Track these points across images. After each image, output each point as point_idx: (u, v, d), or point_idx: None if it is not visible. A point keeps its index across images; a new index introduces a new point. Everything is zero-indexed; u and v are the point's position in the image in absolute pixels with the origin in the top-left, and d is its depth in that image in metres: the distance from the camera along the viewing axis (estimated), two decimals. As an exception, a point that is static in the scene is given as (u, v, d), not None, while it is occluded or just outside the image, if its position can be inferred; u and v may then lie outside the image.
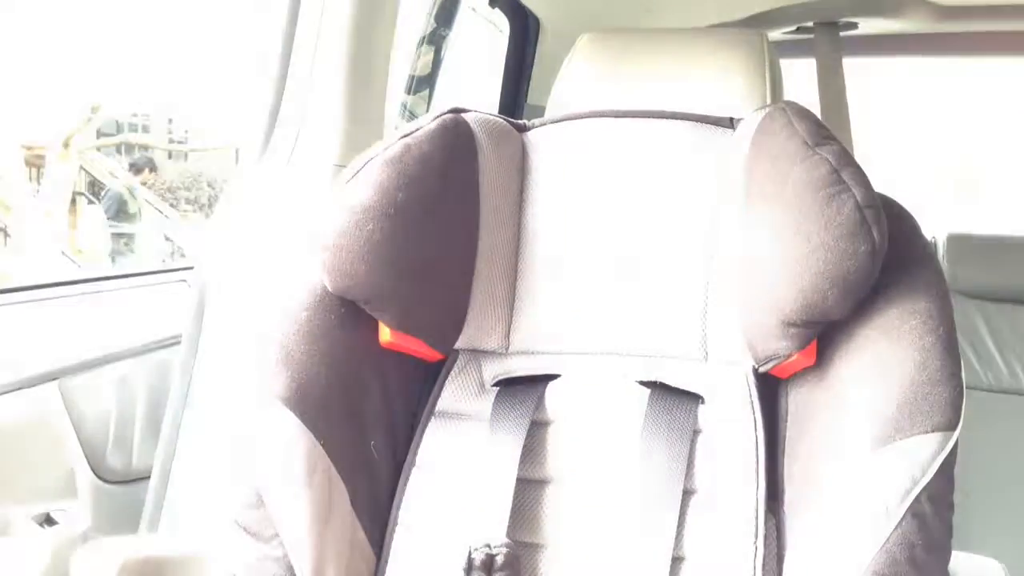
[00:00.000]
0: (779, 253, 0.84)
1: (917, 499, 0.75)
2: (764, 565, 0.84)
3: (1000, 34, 2.12)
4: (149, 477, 1.34)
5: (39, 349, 1.24)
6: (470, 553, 0.85)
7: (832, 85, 2.05)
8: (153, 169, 5.82)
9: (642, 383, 0.94)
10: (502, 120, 1.03)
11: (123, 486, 1.34)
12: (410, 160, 0.92)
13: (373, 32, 1.39)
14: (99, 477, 1.29)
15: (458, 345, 0.99)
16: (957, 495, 0.77)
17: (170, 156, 6.54)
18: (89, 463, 1.27)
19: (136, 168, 5.70)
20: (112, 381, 1.33)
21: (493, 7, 2.21)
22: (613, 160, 0.99)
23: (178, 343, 1.37)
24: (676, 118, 1.00)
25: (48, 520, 1.19)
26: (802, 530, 0.80)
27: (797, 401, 0.89)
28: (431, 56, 1.89)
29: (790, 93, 1.08)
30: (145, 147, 6.55)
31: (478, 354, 0.99)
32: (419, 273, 0.93)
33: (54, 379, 1.24)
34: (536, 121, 1.05)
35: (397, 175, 0.91)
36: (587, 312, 0.96)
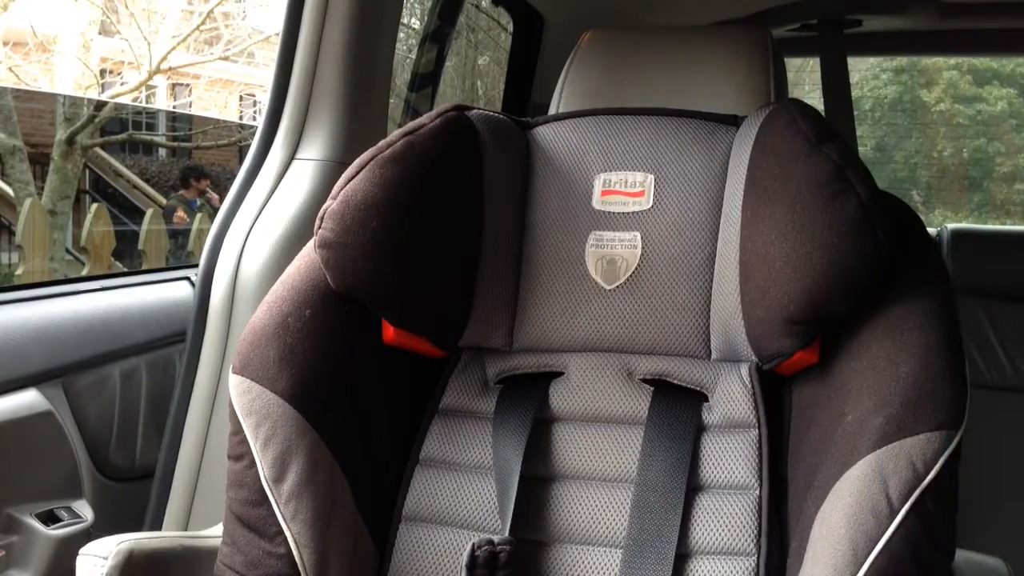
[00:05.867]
0: (783, 251, 0.83)
1: (921, 497, 0.75)
2: (768, 562, 0.84)
3: (1006, 32, 2.12)
4: (153, 474, 1.34)
5: (43, 347, 1.24)
6: (473, 550, 0.85)
7: (836, 83, 2.05)
8: (208, 178, 5.88)
9: (646, 381, 0.94)
10: (506, 118, 1.03)
11: (127, 483, 1.33)
12: (413, 158, 0.92)
13: (376, 29, 1.39)
14: (103, 475, 1.28)
15: (462, 343, 0.99)
16: (961, 493, 0.77)
17: (174, 154, 6.56)
18: (93, 461, 1.26)
19: (196, 176, 5.75)
20: (116, 379, 1.32)
21: (497, 5, 2.20)
22: (617, 157, 0.99)
23: (181, 340, 1.37)
24: (680, 115, 1.00)
25: (52, 518, 1.18)
26: (805, 527, 0.80)
27: (801, 399, 0.89)
28: (434, 53, 1.89)
29: (794, 91, 1.08)
30: (150, 144, 6.58)
31: (482, 352, 0.99)
32: (422, 271, 0.94)
33: (58, 377, 1.23)
34: (540, 119, 1.05)
35: (400, 172, 0.91)
36: (591, 310, 0.96)
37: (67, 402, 1.24)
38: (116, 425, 1.31)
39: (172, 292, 1.50)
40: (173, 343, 1.41)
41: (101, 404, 1.30)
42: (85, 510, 1.23)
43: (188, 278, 1.51)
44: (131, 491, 1.33)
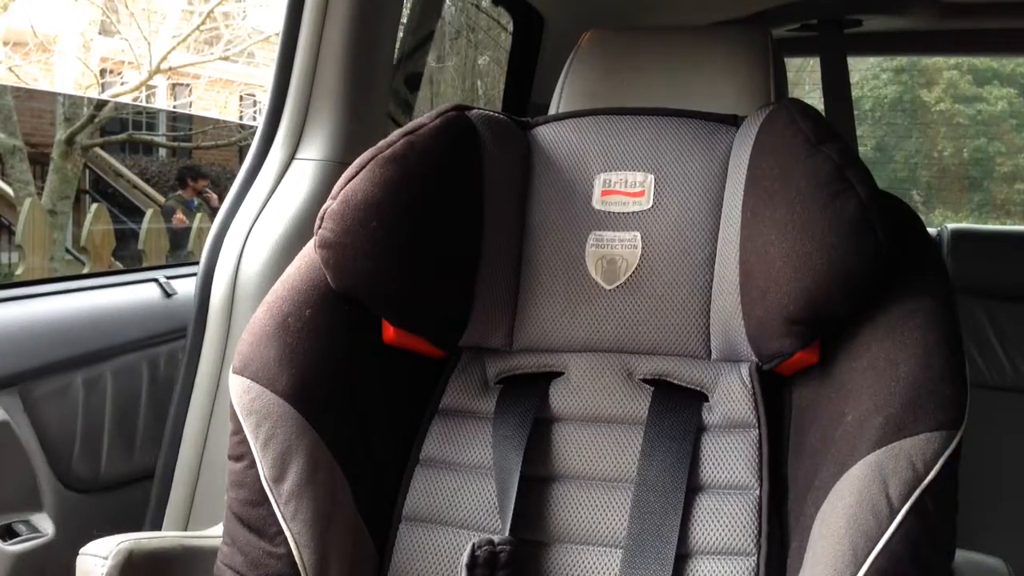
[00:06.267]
0: (783, 251, 0.83)
1: (921, 497, 0.75)
2: (768, 562, 0.84)
3: (1006, 32, 2.12)
4: (120, 485, 1.29)
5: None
6: (473, 550, 0.85)
7: (836, 83, 2.05)
8: (206, 178, 5.87)
9: (646, 381, 0.94)
10: (506, 118, 1.03)
11: (92, 495, 1.26)
12: (414, 157, 0.92)
13: (376, 28, 1.39)
14: (65, 486, 1.22)
15: (462, 343, 0.99)
16: (961, 493, 0.77)
17: (174, 154, 6.56)
18: (54, 471, 1.20)
19: (194, 176, 5.75)
20: (78, 386, 1.25)
21: (497, 5, 2.20)
22: (617, 157, 0.99)
23: (149, 346, 1.33)
24: (680, 116, 1.00)
25: (9, 532, 1.12)
26: (805, 527, 0.80)
27: (801, 399, 0.89)
28: (420, 51, 1.89)
29: (794, 91, 1.08)
30: (150, 144, 6.59)
31: (482, 352, 0.99)
32: (422, 271, 0.94)
33: (14, 384, 1.17)
34: (540, 119, 1.05)
35: (400, 172, 0.91)
36: (591, 310, 0.96)
37: (24, 411, 1.18)
38: (79, 434, 1.25)
39: (140, 295, 1.43)
40: (140, 348, 1.36)
41: (63, 412, 1.23)
42: (45, 523, 1.17)
43: (156, 280, 1.45)
44: (97, 503, 1.27)
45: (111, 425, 1.31)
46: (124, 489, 1.31)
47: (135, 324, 1.37)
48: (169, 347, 1.42)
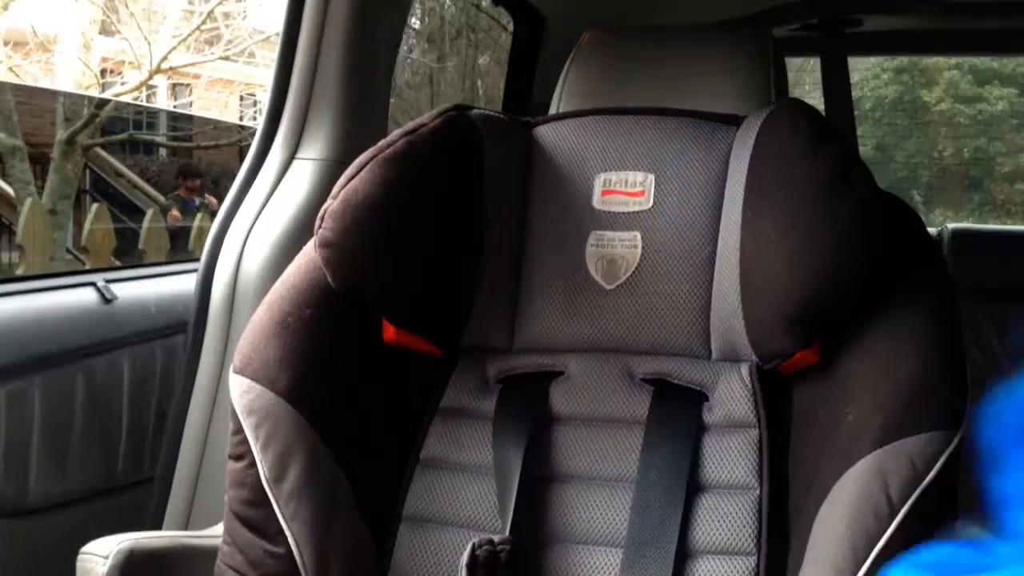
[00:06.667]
0: (783, 251, 0.83)
1: (921, 497, 0.75)
2: (768, 562, 0.84)
3: (1008, 32, 2.12)
4: (51, 508, 1.19)
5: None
6: (473, 549, 0.85)
7: (837, 83, 2.05)
8: (203, 178, 5.89)
9: (646, 380, 0.94)
10: (506, 117, 1.03)
11: (18, 520, 1.15)
12: (414, 157, 0.92)
13: (377, 27, 1.39)
14: None
15: (462, 343, 0.99)
16: (961, 493, 0.77)
17: (175, 153, 6.57)
18: None
19: (185, 175, 5.76)
20: (1, 400, 1.13)
21: (497, 5, 2.20)
22: (617, 157, 0.99)
23: (85, 356, 1.25)
24: (680, 115, 1.00)
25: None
26: (806, 527, 0.80)
27: (801, 399, 0.89)
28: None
29: (794, 91, 1.08)
30: (150, 143, 6.59)
31: (483, 352, 0.99)
32: (423, 270, 0.94)
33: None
34: (540, 118, 1.05)
35: (401, 172, 0.91)
36: (591, 309, 0.96)
37: None
38: (2, 454, 1.14)
39: (74, 300, 1.30)
40: (75, 359, 1.25)
41: None
42: None
43: (94, 284, 1.33)
44: (24, 528, 1.16)
45: (40, 443, 1.19)
46: (56, 512, 1.20)
47: (68, 332, 1.24)
48: (109, 357, 1.31)
